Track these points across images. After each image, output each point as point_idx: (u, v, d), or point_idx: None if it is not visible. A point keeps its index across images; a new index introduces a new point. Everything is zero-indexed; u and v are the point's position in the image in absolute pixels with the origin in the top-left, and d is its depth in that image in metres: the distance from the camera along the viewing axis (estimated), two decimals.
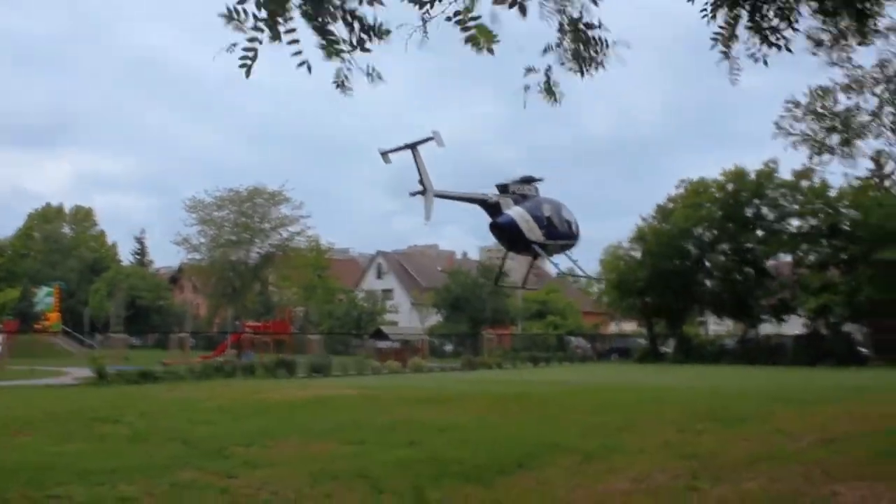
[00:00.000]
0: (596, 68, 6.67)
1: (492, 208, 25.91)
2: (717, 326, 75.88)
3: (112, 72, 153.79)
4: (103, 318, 71.00)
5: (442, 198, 26.05)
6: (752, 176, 54.96)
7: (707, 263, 58.89)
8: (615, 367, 50.11)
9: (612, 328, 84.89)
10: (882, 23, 11.48)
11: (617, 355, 64.75)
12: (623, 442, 14.09)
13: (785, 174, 54.00)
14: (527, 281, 30.30)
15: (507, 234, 25.47)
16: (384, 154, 24.23)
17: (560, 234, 26.17)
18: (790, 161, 62.94)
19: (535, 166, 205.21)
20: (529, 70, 6.54)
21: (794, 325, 57.84)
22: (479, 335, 61.25)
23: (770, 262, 56.17)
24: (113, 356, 36.18)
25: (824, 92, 12.39)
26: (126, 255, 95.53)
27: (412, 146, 23.97)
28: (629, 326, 78.21)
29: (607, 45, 6.60)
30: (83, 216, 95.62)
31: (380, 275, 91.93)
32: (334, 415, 18.85)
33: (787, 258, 56.01)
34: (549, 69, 6.51)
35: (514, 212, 25.18)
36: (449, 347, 63.62)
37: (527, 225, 24.86)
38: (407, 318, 77.20)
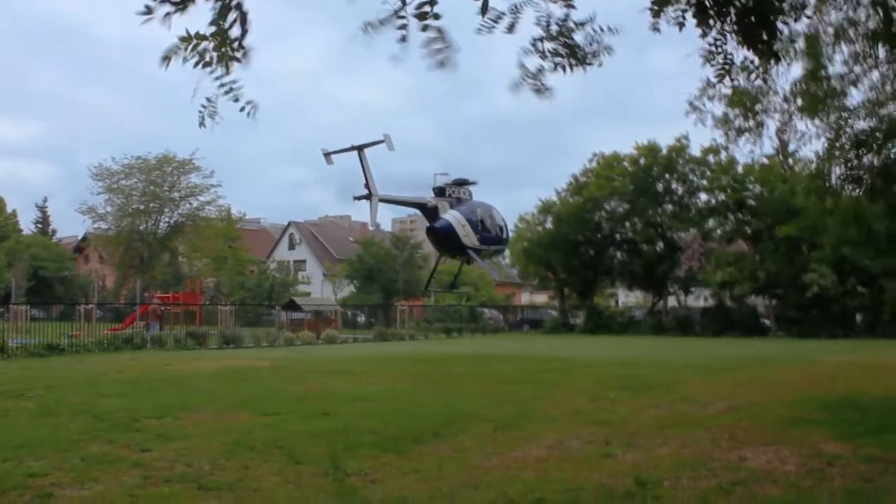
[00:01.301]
0: (587, 64, 6.62)
1: (430, 212, 26.27)
2: (626, 298, 77.49)
3: (12, 33, 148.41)
4: (3, 289, 68.76)
5: (385, 202, 26.24)
6: (664, 151, 55.87)
7: (618, 236, 59.83)
8: (527, 338, 50.77)
9: (524, 300, 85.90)
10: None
11: (528, 327, 65.54)
12: (536, 410, 14.33)
13: (696, 150, 55.19)
14: (455, 284, 30.79)
15: (444, 238, 25.94)
16: (327, 155, 24.15)
17: (492, 239, 26.79)
18: (701, 137, 64.29)
19: (449, 137, 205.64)
20: (521, 66, 6.47)
21: (701, 298, 59.46)
22: (391, 306, 61.32)
23: (679, 236, 57.22)
24: (14, 329, 35.01)
25: (742, 69, 12.62)
26: (27, 225, 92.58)
27: (359, 148, 23.93)
28: (541, 298, 79.18)
29: (599, 42, 6.57)
30: None
31: (292, 245, 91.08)
32: (247, 386, 18.70)
33: (695, 232, 57.14)
34: (540, 70, 6.45)
35: (451, 216, 25.61)
36: (362, 318, 63.57)
37: (463, 230, 25.39)
38: (320, 289, 76.78)
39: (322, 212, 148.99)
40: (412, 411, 14.19)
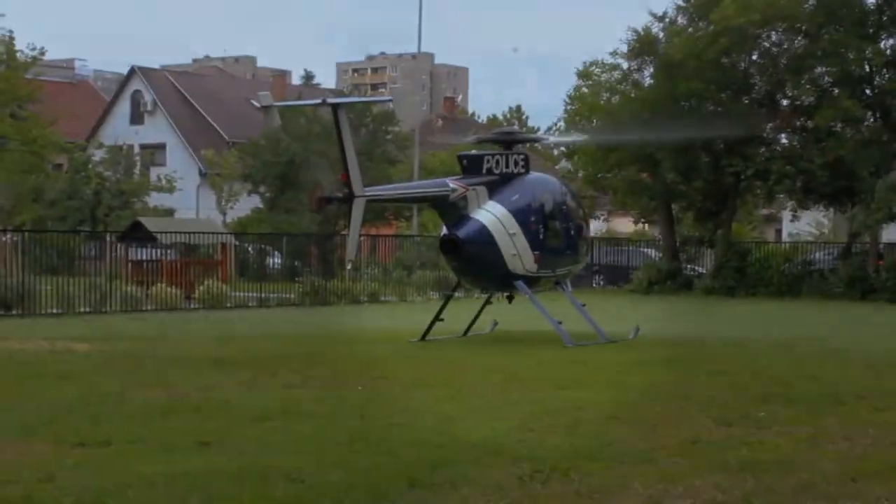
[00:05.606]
0: None
1: (450, 209, 25.74)
2: (797, 226, 76.28)
3: None
4: None
5: (377, 202, 25.97)
6: None
7: (784, 102, 58.72)
8: (599, 303, 50.69)
9: (594, 228, 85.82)
10: None
11: (602, 279, 65.49)
12: (613, 440, 14.43)
13: None
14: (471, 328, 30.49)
15: (472, 258, 25.44)
16: (266, 107, 24.16)
17: (560, 252, 26.28)
18: None
19: None
20: None
21: None
22: (334, 238, 60.90)
23: None
24: None
25: None
26: None
27: (334, 107, 23.82)
28: (625, 225, 78.87)
29: None
30: None
31: (139, 116, 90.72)
32: (49, 389, 18.89)
33: None
34: None
35: (486, 216, 25.11)
36: (276, 262, 63.37)
37: (509, 241, 24.88)
38: (193, 199, 76.79)
39: (198, 51, 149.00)
40: (372, 438, 14.28)
